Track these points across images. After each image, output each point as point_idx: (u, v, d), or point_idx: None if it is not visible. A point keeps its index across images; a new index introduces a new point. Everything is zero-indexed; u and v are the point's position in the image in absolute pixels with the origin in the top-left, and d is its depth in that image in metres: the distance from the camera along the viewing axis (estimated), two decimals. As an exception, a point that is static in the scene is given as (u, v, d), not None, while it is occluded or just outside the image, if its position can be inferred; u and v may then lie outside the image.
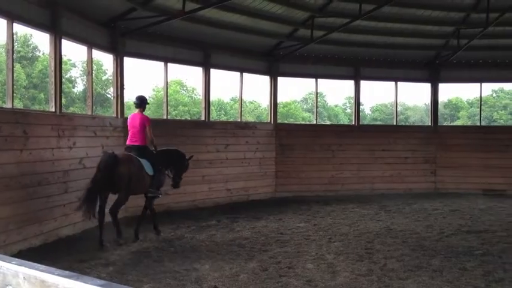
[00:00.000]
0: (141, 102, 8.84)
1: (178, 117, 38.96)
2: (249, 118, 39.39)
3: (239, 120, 14.70)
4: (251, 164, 13.97)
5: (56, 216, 8.47)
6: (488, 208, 12.65)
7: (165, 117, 12.50)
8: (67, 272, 1.53)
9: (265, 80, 14.92)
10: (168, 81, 12.66)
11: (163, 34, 11.96)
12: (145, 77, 56.00)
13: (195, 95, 46.39)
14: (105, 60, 43.57)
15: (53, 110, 8.76)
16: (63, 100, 9.33)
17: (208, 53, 12.98)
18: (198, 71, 13.15)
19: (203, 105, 13.27)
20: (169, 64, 12.31)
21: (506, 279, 6.36)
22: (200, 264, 7.04)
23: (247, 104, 46.35)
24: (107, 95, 41.98)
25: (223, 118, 44.64)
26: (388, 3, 12.36)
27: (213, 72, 13.25)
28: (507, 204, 13.36)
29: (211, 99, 13.72)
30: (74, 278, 1.44)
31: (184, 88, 48.63)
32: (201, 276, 6.46)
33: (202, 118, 13.23)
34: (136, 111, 8.84)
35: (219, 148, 13.19)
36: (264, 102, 40.73)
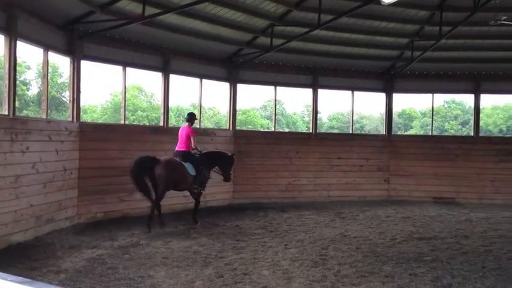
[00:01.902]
0: (190, 117, 11.22)
1: (137, 122, 38.50)
2: (208, 125, 39.28)
3: (198, 126, 14.67)
4: (209, 171, 13.95)
5: (7, 222, 8.24)
6: (438, 215, 13.08)
7: (122, 122, 12.36)
8: (20, 277, 1.54)
9: (225, 86, 14.98)
10: (127, 85, 12.52)
11: (122, 38, 11.85)
12: (103, 81, 55.06)
13: (154, 100, 45.92)
14: (61, 63, 42.61)
15: (6, 113, 8.53)
16: (17, 103, 9.12)
17: (168, 59, 12.94)
18: (157, 76, 13.09)
19: (162, 111, 13.19)
20: (128, 68, 12.19)
21: (454, 285, 6.60)
22: (155, 271, 7.00)
23: (206, 111, 46.22)
24: (63, 99, 41.06)
25: (182, 124, 44.41)
26: (346, 15, 12.66)
27: (173, 77, 13.21)
28: (456, 211, 13.84)
29: (170, 105, 13.64)
30: (27, 284, 1.45)
31: (143, 93, 48.06)
32: (155, 283, 6.43)
33: (161, 124, 13.15)
34: (186, 124, 11.09)
35: (177, 154, 13.12)
36: (223, 109, 40.71)
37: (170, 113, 13.40)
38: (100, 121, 35.15)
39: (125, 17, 10.67)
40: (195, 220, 11.07)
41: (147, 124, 36.95)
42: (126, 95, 12.60)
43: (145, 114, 44.47)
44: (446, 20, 13.60)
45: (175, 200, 12.92)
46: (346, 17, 13.01)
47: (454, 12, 13.53)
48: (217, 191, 14.15)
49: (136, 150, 12.00)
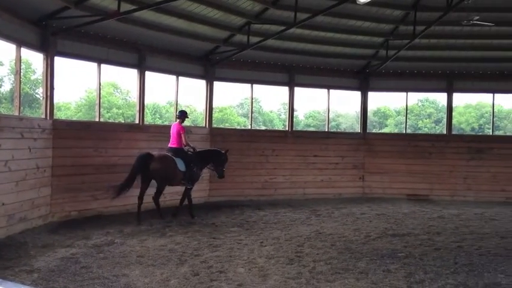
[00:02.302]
0: (181, 115, 11.45)
1: (112, 120, 38.08)
2: (184, 122, 39.10)
3: (174, 124, 14.60)
4: (185, 168, 13.91)
5: (-22, 221, 8.09)
6: (411, 212, 13.28)
7: (97, 119, 12.22)
8: (-10, 278, 1.53)
9: (202, 84, 14.94)
10: (102, 82, 12.39)
11: (97, 34, 11.72)
12: (77, 78, 54.32)
13: (130, 97, 45.50)
14: (34, 59, 41.88)
15: (-23, 110, 8.37)
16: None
17: (144, 55, 12.84)
18: (133, 73, 12.98)
19: (137, 108, 13.09)
20: (102, 65, 12.05)
21: (426, 280, 6.72)
22: (130, 270, 6.96)
23: (183, 108, 45.96)
24: (36, 95, 40.38)
25: (159, 122, 44.08)
26: (322, 13, 12.75)
27: (149, 74, 13.12)
28: (429, 208, 14.08)
29: (146, 102, 13.54)
30: (-2, 284, 1.44)
31: (119, 90, 47.57)
32: (130, 282, 6.40)
33: (137, 121, 13.04)
34: (177, 121, 11.39)
35: (154, 152, 13.03)
36: (200, 106, 40.58)
37: (146, 111, 13.30)
38: (74, 118, 34.68)
39: (100, 13, 10.55)
40: (192, 215, 11.52)
41: (123, 122, 36.61)
42: (101, 92, 12.46)
43: (120, 111, 44.05)
44: (420, 20, 13.80)
45: (150, 198, 12.86)
46: (322, 16, 13.10)
47: (428, 12, 13.74)
48: (193, 188, 14.11)
49: (111, 148, 11.92)
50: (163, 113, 48.85)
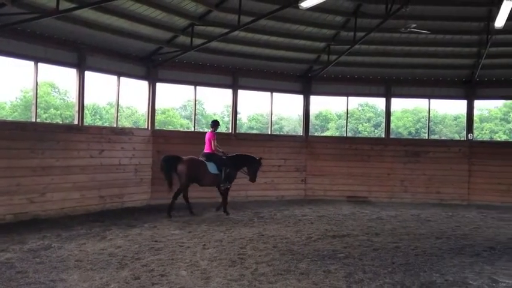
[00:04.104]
0: (213, 124, 12.77)
1: (49, 121, 36.84)
2: (125, 124, 38.35)
3: (115, 125, 14.31)
4: (126, 171, 13.66)
5: None
6: (351, 214, 13.60)
7: (34, 119, 11.78)
8: None
9: (144, 85, 14.71)
10: (39, 82, 11.96)
11: (34, 32, 11.32)
12: (13, 77, 52.16)
13: (68, 97, 44.13)
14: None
15: None
16: None
17: (84, 55, 12.51)
18: (72, 73, 12.62)
19: (76, 109, 12.72)
20: (40, 64, 11.65)
21: (365, 280, 6.89)
22: (68, 274, 6.75)
23: (124, 109, 45.07)
24: (-33, 94, 38.48)
25: (99, 123, 43.02)
26: (265, 17, 12.86)
27: (89, 74, 12.79)
28: (368, 210, 14.46)
29: (85, 103, 13.18)
30: None
31: (56, 90, 46.05)
32: (68, 287, 6.20)
33: (76, 122, 12.68)
34: (210, 130, 12.66)
35: (93, 154, 12.73)
36: (142, 108, 39.91)
37: (85, 111, 12.95)
38: (9, 119, 33.28)
39: (38, 10, 10.21)
40: (226, 212, 12.66)
41: (60, 122, 35.48)
42: (38, 91, 12.03)
43: (58, 112, 42.64)
44: (361, 26, 14.21)
45: (91, 201, 12.57)
46: (265, 20, 13.24)
47: (368, 19, 14.17)
48: (134, 191, 13.90)
49: (48, 149, 11.54)
50: (104, 114, 47.70)
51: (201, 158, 12.42)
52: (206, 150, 12.54)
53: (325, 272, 7.28)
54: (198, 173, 12.16)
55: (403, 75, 17.34)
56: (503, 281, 6.99)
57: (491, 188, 16.67)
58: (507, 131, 45.57)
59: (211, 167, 12.28)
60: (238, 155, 13.00)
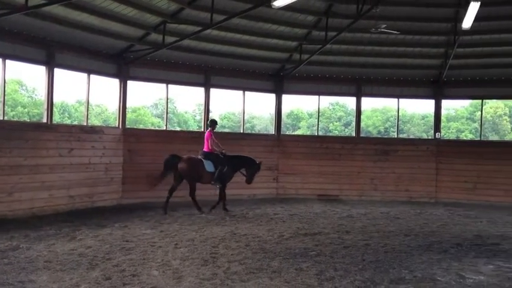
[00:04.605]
0: (211, 123, 13.10)
1: (17, 119, 36.04)
2: (95, 122, 37.80)
3: (85, 123, 14.10)
4: (96, 170, 13.49)
5: None
6: (322, 212, 13.73)
7: (1, 117, 11.51)
8: None
9: (115, 83, 14.53)
10: (6, 79, 11.69)
11: (3, 29, 11.09)
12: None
13: (36, 95, 43.24)
14: None
15: None
16: None
17: (53, 52, 12.30)
18: (40, 70, 12.39)
19: (45, 107, 12.50)
20: (7, 61, 11.41)
21: (336, 277, 6.97)
22: (37, 275, 6.64)
23: (94, 108, 44.38)
24: None
25: (67, 121, 42.29)
26: (238, 16, 12.87)
27: (58, 72, 12.58)
28: (339, 208, 14.63)
29: (54, 101, 12.94)
30: None
31: (24, 88, 45.07)
32: (38, 288, 6.11)
33: (44, 120, 12.45)
34: (209, 129, 12.98)
35: (62, 152, 12.53)
36: (112, 106, 39.40)
37: (54, 109, 12.73)
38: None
39: (6, 6, 9.99)
40: (225, 209, 13.02)
41: (28, 120, 34.76)
42: (5, 89, 11.77)
43: (26, 110, 41.76)
44: (332, 26, 14.37)
45: (60, 200, 12.38)
46: (238, 18, 13.26)
47: (339, 19, 14.32)
48: (105, 191, 13.74)
49: (16, 148, 11.31)
50: (73, 112, 46.89)
51: (199, 157, 12.79)
52: (204, 149, 12.93)
53: (297, 270, 7.34)
54: (197, 170, 12.53)
55: (373, 74, 17.58)
56: (470, 277, 7.16)
57: (457, 186, 17.06)
58: (473, 130, 46.59)
59: (208, 165, 12.63)
60: (238, 155, 13.33)
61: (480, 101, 20.44)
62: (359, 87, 17.68)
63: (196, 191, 12.68)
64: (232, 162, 12.97)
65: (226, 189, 13.16)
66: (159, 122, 45.74)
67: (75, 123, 35.78)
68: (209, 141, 12.85)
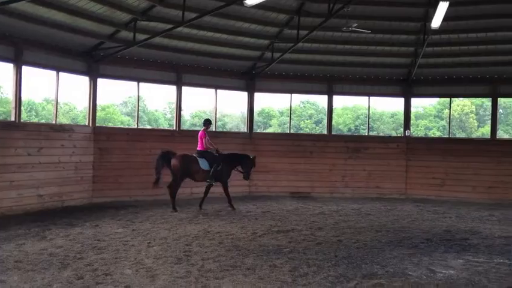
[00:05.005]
0: (205, 122, 13.32)
1: (-18, 117, 35.14)
2: (63, 120, 37.15)
3: (54, 122, 13.86)
4: (66, 169, 13.27)
5: None
6: (295, 209, 13.83)
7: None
8: None
9: (84, 81, 14.31)
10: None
11: (-33, 25, 10.81)
12: None
13: (2, 93, 42.25)
14: None
15: None
16: None
17: (20, 49, 12.04)
18: (7, 68, 12.12)
19: (13, 105, 12.22)
20: (-28, 58, 11.15)
21: (309, 273, 7.04)
22: (7, 275, 6.51)
23: (62, 106, 43.60)
24: None
25: (35, 120, 41.45)
26: (209, 13, 12.83)
27: (26, 69, 12.33)
28: (311, 205, 14.75)
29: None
30: None
31: (-10, 86, 43.95)
32: (8, 289, 5.99)
33: (12, 119, 12.19)
34: (203, 128, 13.22)
35: (31, 151, 12.29)
36: (80, 104, 38.83)
37: (21, 108, 12.47)
38: None
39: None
40: (231, 206, 13.39)
41: (-5, 119, 33.95)
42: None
43: (-8, 108, 40.76)
44: (304, 24, 14.46)
45: (29, 200, 12.15)
46: (210, 16, 13.21)
47: (311, 18, 14.41)
48: (75, 190, 13.54)
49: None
50: (40, 110, 45.98)
51: (194, 155, 12.96)
52: (198, 147, 13.14)
53: (271, 266, 7.39)
54: (190, 168, 12.76)
55: (344, 73, 17.77)
56: (441, 272, 7.33)
57: (426, 183, 17.39)
58: (441, 128, 47.56)
59: (203, 164, 12.86)
60: (232, 153, 13.58)
61: (448, 99, 20.85)
62: (330, 85, 17.84)
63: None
64: (226, 160, 13.21)
65: (228, 187, 13.52)
66: (129, 121, 45.25)
67: (43, 121, 35.09)
68: (203, 140, 13.07)
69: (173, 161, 12.72)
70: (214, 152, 13.17)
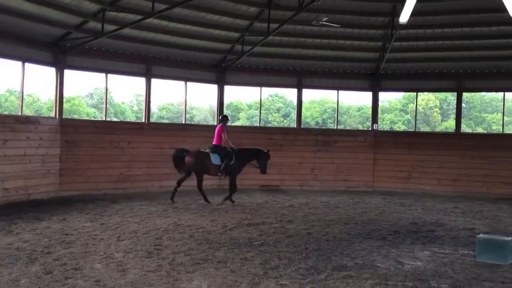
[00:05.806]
0: (222, 119, 13.66)
1: None
2: (27, 112, 36.26)
3: (20, 114, 13.52)
4: (32, 161, 12.99)
5: None
6: (265, 202, 13.91)
7: None
8: None
9: (50, 72, 14.01)
10: None
11: None
12: None
13: (-39, 84, 40.88)
14: None
15: None
16: None
17: (-16, 39, 11.70)
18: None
19: (-24, 96, 11.90)
20: None
21: (281, 266, 7.10)
22: (-27, 271, 6.36)
23: (25, 97, 42.50)
24: None
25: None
26: (179, 5, 12.73)
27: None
28: (280, 198, 14.86)
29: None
30: None
31: (-51, 75, 42.46)
32: (-26, 285, 5.85)
33: (-25, 110, 11.85)
34: (220, 123, 13.51)
35: (-5, 144, 11.98)
36: (44, 95, 37.96)
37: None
38: None
39: None
40: (231, 200, 13.39)
41: (-45, 110, 32.92)
42: None
43: (-50, 101, 39.45)
44: (274, 18, 14.47)
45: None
46: (180, 8, 13.11)
47: (281, 11, 14.44)
48: (41, 183, 13.27)
49: None
50: (3, 101, 44.75)
51: (207, 150, 13.22)
52: (214, 142, 13.32)
53: (242, 259, 7.41)
54: (203, 163, 13.02)
55: (313, 67, 17.89)
56: (408, 263, 7.49)
57: (393, 175, 17.71)
58: (406, 122, 48.34)
59: (215, 158, 13.04)
60: (246, 148, 13.74)
61: (414, 93, 21.23)
62: (300, 79, 17.94)
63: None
64: (240, 156, 13.32)
65: (236, 182, 13.57)
66: (95, 113, 44.48)
67: (6, 113, 34.22)
68: (222, 135, 13.25)
69: (187, 158, 12.99)
70: (229, 147, 13.29)
